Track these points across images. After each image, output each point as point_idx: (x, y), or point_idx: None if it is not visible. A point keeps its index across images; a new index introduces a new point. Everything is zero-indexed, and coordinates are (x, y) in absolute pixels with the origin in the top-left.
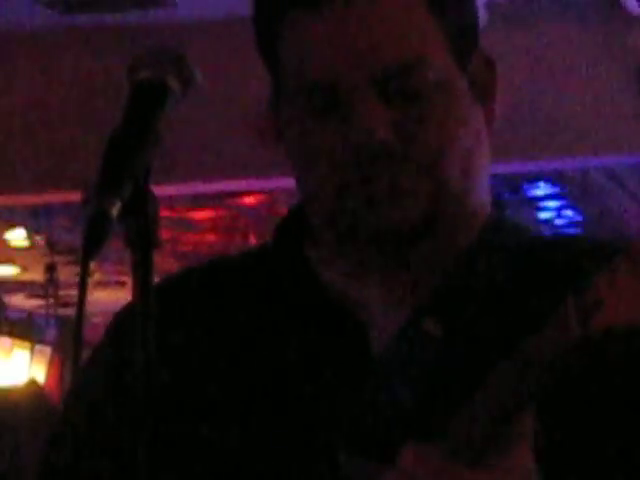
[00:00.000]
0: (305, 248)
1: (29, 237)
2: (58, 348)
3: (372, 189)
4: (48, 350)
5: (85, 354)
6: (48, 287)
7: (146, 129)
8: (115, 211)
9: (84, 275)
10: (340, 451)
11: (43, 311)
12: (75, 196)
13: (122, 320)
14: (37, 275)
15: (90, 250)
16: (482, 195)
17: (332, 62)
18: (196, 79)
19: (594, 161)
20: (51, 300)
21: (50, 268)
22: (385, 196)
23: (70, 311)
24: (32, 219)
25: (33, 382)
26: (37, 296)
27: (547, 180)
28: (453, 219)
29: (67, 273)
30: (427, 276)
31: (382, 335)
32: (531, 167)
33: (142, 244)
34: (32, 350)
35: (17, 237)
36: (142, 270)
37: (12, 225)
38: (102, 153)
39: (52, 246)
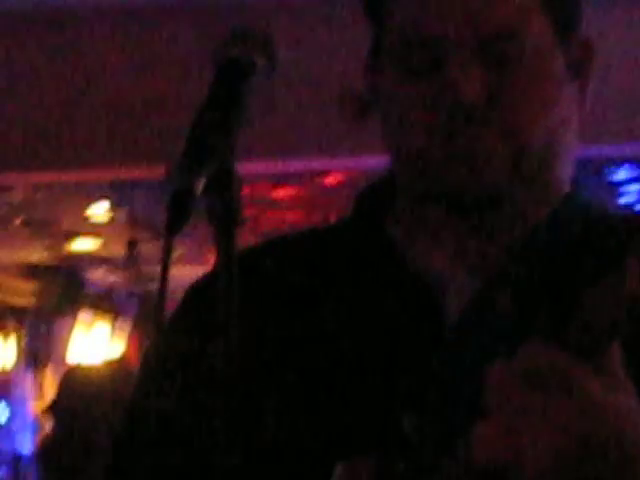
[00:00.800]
0: (385, 221)
1: (111, 211)
2: (138, 323)
3: (456, 149)
4: (128, 325)
5: None
6: (129, 262)
7: (232, 106)
8: (199, 188)
9: (168, 251)
10: (405, 414)
11: (123, 286)
12: (157, 171)
13: (202, 291)
14: (118, 250)
15: (174, 226)
16: (563, 171)
17: (442, 18)
18: (280, 58)
19: None
20: (132, 275)
21: (131, 243)
22: (466, 157)
23: (150, 286)
24: (114, 194)
25: (121, 359)
26: (118, 271)
27: (631, 163)
28: (530, 188)
29: (148, 249)
30: (498, 245)
31: (456, 304)
32: (614, 151)
33: (226, 222)
34: (113, 325)
35: (98, 211)
36: (225, 248)
37: (94, 199)
38: (187, 128)
39: (133, 221)
